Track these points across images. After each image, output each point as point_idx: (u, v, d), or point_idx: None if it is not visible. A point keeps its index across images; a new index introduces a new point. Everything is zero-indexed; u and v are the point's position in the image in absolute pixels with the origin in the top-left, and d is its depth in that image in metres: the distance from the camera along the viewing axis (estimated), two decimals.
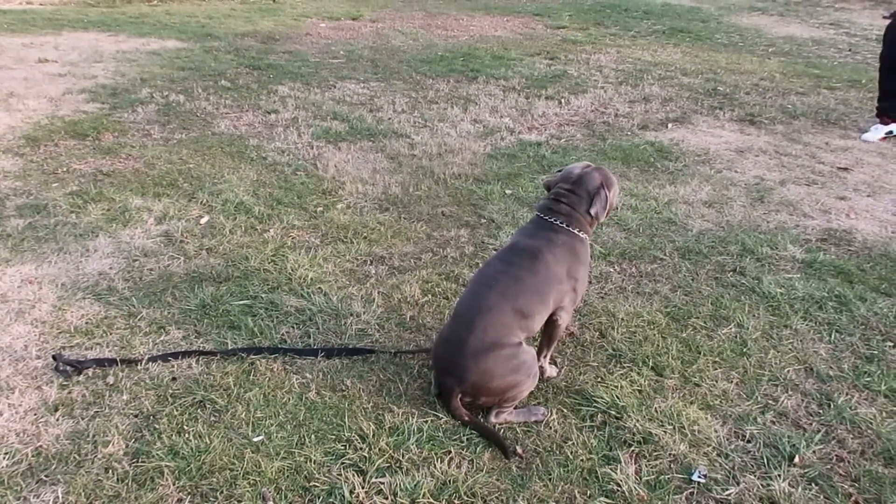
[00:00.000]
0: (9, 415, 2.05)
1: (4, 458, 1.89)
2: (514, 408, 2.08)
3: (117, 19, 8.49)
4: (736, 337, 2.51)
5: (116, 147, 4.22)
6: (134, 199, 3.49)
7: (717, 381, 2.27)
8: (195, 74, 6.00)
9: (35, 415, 2.05)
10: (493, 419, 2.05)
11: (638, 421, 2.06)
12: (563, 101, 5.51)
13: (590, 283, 2.86)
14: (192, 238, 3.13)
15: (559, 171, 2.30)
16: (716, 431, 2.05)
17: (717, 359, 2.39)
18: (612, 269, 2.98)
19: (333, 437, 1.99)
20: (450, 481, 1.84)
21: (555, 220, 2.14)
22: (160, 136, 4.48)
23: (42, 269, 2.84)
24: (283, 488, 1.82)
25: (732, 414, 2.13)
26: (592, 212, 2.14)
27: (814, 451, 1.99)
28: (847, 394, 2.23)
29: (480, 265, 2.18)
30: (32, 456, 1.90)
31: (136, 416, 2.05)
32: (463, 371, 1.97)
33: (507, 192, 3.73)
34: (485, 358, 1.96)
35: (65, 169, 3.87)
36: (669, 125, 5.01)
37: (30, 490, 1.79)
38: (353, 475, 1.85)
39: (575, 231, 2.14)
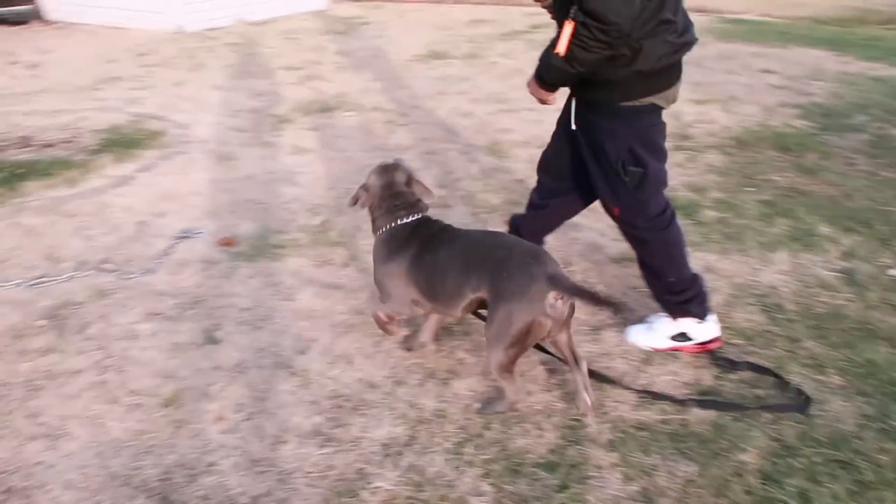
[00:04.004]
0: (666, 381, 2.31)
1: (657, 412, 2.14)
2: None
3: (847, 40, 8.24)
4: None
5: (816, 168, 4.16)
6: (821, 226, 3.39)
7: None
8: None
9: (689, 390, 2.25)
10: None
11: None
12: None
13: None
14: (876, 286, 2.86)
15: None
16: None
17: None
18: None
19: None
20: None
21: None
22: (865, 168, 4.20)
23: (721, 263, 3.05)
24: None
25: None
26: None
27: None
28: None
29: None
30: (679, 424, 2.10)
31: (775, 439, 2.04)
32: None
33: None
34: None
35: (762, 177, 4.03)
36: None
37: (670, 454, 1.99)
38: None
39: None
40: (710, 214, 3.52)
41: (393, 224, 2.28)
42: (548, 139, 2.53)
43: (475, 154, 4.35)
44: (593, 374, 2.27)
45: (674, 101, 2.22)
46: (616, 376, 2.30)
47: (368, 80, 6.29)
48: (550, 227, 2.69)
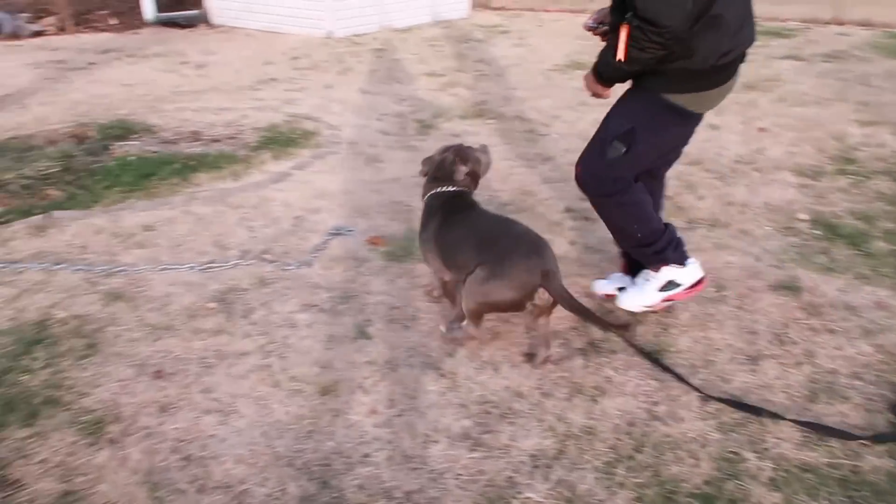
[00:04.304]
0: (833, 422, 2.15)
1: (825, 454, 2.00)
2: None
3: None
4: None
5: None
6: None
7: None
8: None
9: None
10: None
11: None
12: None
13: None
14: None
15: None
16: None
17: None
18: None
19: None
20: None
21: None
22: None
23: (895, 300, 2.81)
24: None
25: None
26: None
27: None
28: None
29: None
30: (850, 471, 1.95)
31: None
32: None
33: None
34: None
35: None
36: None
37: (840, 502, 1.86)
38: None
39: None
40: (880, 246, 3.25)
41: (430, 193, 2.61)
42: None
43: None
44: (745, 407, 2.18)
45: (711, 106, 2.33)
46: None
47: (509, 89, 6.33)
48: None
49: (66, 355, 2.49)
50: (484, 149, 2.74)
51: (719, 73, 2.21)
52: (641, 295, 2.57)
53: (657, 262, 2.50)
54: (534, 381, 2.34)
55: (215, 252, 3.27)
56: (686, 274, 2.53)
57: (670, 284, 2.52)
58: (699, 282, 2.56)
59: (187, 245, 3.34)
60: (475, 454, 2.02)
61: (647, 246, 2.47)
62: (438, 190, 2.59)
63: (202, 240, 3.39)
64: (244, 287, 2.95)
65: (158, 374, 2.38)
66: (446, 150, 2.69)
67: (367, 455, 2.03)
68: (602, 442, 2.07)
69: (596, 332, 2.59)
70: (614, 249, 2.86)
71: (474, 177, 2.68)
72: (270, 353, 2.50)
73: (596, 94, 2.38)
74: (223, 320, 2.71)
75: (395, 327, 2.66)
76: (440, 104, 5.81)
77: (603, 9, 2.38)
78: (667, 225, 2.50)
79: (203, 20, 10.30)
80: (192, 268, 3.10)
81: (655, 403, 2.22)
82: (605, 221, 2.53)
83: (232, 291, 2.92)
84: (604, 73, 2.27)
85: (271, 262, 3.17)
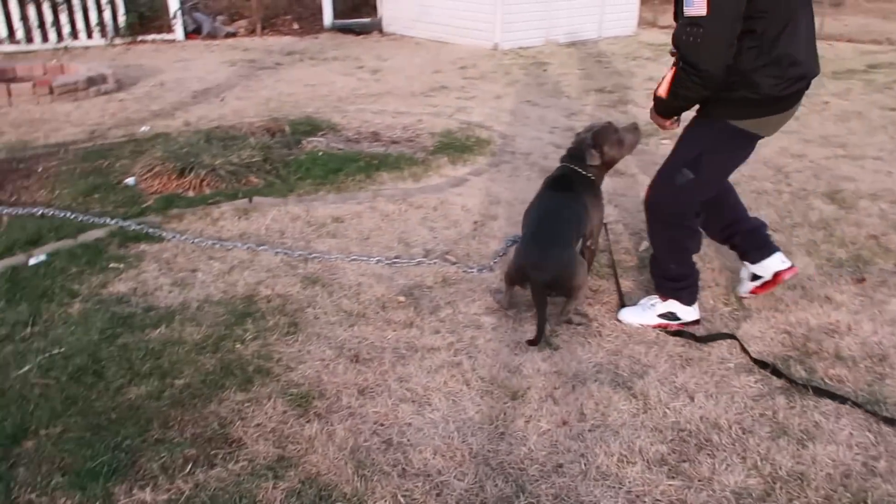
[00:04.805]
0: None
1: None
2: None
3: None
4: None
5: None
6: None
7: None
8: None
9: None
10: None
11: None
12: None
13: None
14: None
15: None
16: None
17: None
18: None
19: None
20: None
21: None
22: None
23: None
24: None
25: None
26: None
27: None
28: None
29: None
30: None
31: None
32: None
33: None
34: None
35: None
36: None
37: None
38: None
39: None
40: None
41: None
42: None
43: (812, 200, 4.00)
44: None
45: (776, 129, 2.44)
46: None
47: None
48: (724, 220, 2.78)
49: (273, 330, 2.68)
50: (630, 127, 2.90)
51: (781, 101, 2.33)
52: (643, 315, 2.75)
53: (670, 295, 2.70)
54: (732, 415, 2.23)
55: (400, 248, 3.40)
56: (687, 312, 2.71)
57: (670, 315, 2.71)
58: (694, 322, 2.73)
59: (374, 239, 3.50)
60: (674, 482, 1.96)
61: (672, 280, 2.68)
62: (559, 165, 2.93)
63: (388, 235, 3.54)
64: (429, 284, 3.05)
65: (356, 359, 2.51)
66: (587, 129, 2.93)
67: (560, 465, 2.02)
68: (814, 490, 1.93)
69: (794, 372, 2.44)
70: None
71: (608, 159, 2.87)
72: (459, 351, 2.56)
73: (661, 126, 2.56)
74: (412, 314, 2.81)
75: (580, 340, 2.64)
76: (611, 120, 5.72)
77: None
78: (696, 272, 2.69)
79: (376, 28, 10.82)
80: (379, 261, 3.25)
81: (874, 458, 2.05)
82: (652, 246, 2.74)
83: (418, 287, 3.02)
84: (658, 108, 2.47)
85: (453, 263, 3.25)
